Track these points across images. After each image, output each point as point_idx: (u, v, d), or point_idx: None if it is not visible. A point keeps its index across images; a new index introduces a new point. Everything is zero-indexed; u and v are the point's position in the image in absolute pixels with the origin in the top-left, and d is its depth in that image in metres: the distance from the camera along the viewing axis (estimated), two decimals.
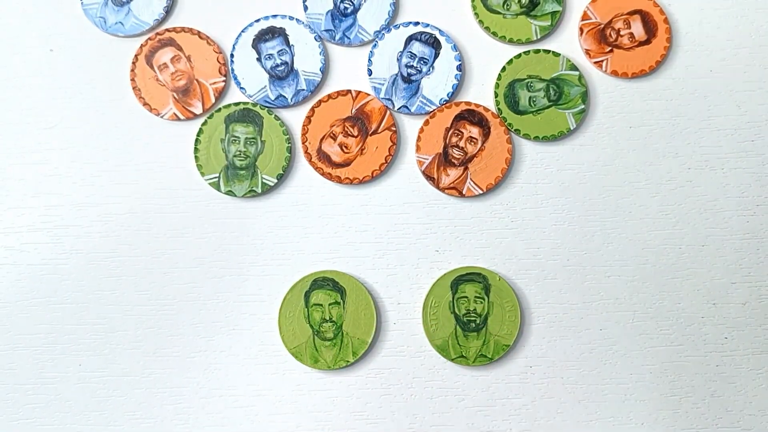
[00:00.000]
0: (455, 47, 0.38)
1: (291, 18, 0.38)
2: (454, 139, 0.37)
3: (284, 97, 0.38)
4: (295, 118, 0.38)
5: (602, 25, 0.39)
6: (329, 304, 0.36)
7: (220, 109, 0.37)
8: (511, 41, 0.38)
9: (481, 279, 0.36)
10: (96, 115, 0.38)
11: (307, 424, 0.35)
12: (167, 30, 0.38)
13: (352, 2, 0.38)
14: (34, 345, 0.36)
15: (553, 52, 0.38)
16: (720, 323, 0.36)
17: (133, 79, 0.38)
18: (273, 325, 0.36)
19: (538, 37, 0.38)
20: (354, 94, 0.38)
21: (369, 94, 0.38)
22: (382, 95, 0.38)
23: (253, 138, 0.37)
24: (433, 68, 0.38)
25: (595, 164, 0.38)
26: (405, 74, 0.38)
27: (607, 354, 0.36)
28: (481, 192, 0.37)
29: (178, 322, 0.36)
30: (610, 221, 0.37)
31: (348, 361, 0.35)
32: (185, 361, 0.36)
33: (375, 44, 0.38)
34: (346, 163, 0.37)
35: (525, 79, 0.38)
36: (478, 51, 0.39)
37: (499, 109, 0.38)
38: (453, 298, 0.36)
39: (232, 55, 0.38)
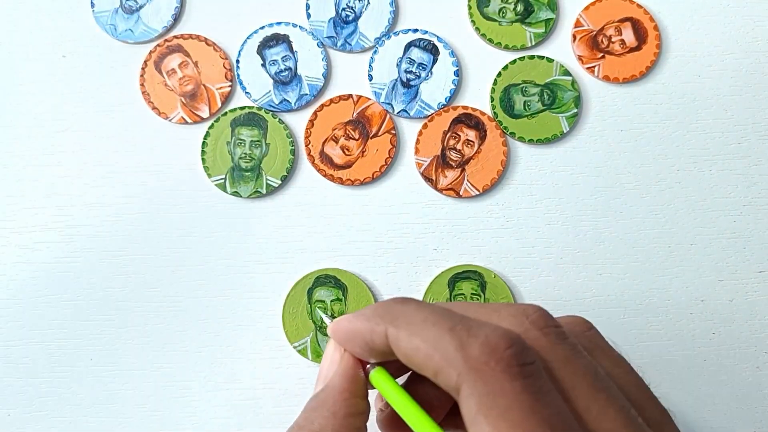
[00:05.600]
0: (453, 53, 0.39)
1: (294, 25, 0.39)
2: (452, 142, 0.38)
3: (288, 101, 0.39)
4: (298, 121, 0.39)
5: (594, 32, 0.39)
6: (331, 301, 0.36)
7: (226, 113, 0.38)
8: (506, 47, 0.39)
9: (478, 276, 0.37)
10: (107, 118, 0.38)
11: None
12: (175, 37, 0.39)
13: (353, 10, 0.39)
14: (47, 340, 0.37)
15: (547, 58, 0.39)
16: (708, 319, 0.37)
17: (142, 84, 0.39)
18: (277, 321, 0.36)
19: (533, 43, 0.39)
20: (355, 99, 0.39)
21: (370, 99, 0.39)
22: (382, 99, 0.39)
23: (257, 141, 0.38)
24: (431, 73, 0.39)
25: (588, 166, 0.38)
26: (404, 79, 0.39)
27: None
28: (477, 193, 0.38)
29: (185, 318, 0.37)
30: (602, 221, 0.38)
31: None
32: (192, 356, 0.36)
33: (375, 50, 0.39)
34: (347, 165, 0.38)
35: (520, 84, 0.39)
36: (475, 57, 0.39)
37: (495, 112, 0.38)
38: (450, 296, 0.36)
39: (237, 61, 0.39)
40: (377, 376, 0.25)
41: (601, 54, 0.39)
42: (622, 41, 0.39)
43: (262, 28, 0.39)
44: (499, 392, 0.19)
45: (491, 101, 0.38)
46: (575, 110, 0.38)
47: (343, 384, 0.25)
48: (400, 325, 0.23)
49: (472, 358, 0.20)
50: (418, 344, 0.22)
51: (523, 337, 0.21)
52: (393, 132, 0.38)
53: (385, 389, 0.25)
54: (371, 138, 0.38)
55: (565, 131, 0.38)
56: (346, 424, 0.24)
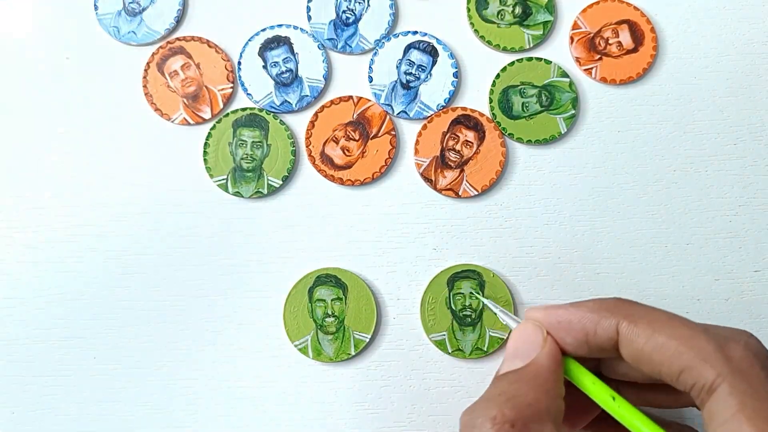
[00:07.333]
0: (452, 55, 0.39)
1: (295, 27, 0.39)
2: (451, 143, 0.39)
3: (289, 102, 0.39)
4: (299, 122, 0.39)
5: (592, 34, 0.40)
6: (332, 300, 0.37)
7: (228, 114, 0.38)
8: (505, 49, 0.40)
9: (476, 276, 0.37)
10: (110, 120, 0.39)
11: (311, 414, 0.36)
12: (178, 39, 0.39)
13: (353, 12, 0.40)
14: (52, 339, 0.37)
15: (545, 59, 0.39)
16: (704, 318, 0.37)
17: (145, 86, 0.39)
18: (278, 319, 0.37)
19: (531, 45, 0.40)
20: (355, 100, 0.39)
21: (369, 100, 0.39)
22: (382, 101, 0.39)
23: (259, 142, 0.38)
24: (430, 75, 0.39)
25: (585, 167, 0.39)
26: (404, 81, 0.39)
27: None
28: (476, 193, 0.38)
29: (188, 317, 0.37)
30: (599, 221, 0.38)
31: (349, 354, 0.36)
32: (195, 355, 0.37)
33: (375, 52, 0.39)
34: (347, 166, 0.38)
35: (518, 85, 0.39)
36: (474, 59, 0.40)
37: (493, 114, 0.39)
38: (449, 294, 0.37)
39: (239, 63, 0.39)
40: (574, 367, 0.26)
41: (599, 56, 0.39)
42: (620, 43, 0.39)
43: (264, 30, 0.39)
44: (765, 395, 0.20)
45: (490, 102, 0.39)
46: (573, 111, 0.39)
47: (552, 365, 0.25)
48: (638, 321, 0.23)
49: (736, 360, 0.21)
50: (663, 341, 0.22)
51: None
52: (393, 133, 0.39)
53: (584, 380, 0.25)
54: (371, 139, 0.39)
55: (563, 132, 0.39)
56: (557, 405, 0.24)
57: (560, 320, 0.26)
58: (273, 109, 0.39)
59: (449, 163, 0.38)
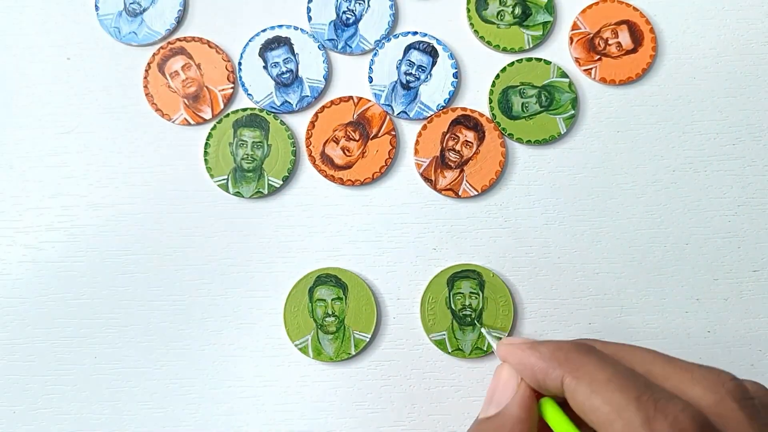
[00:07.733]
0: (452, 56, 0.40)
1: (296, 28, 0.40)
2: (451, 143, 0.39)
3: (289, 103, 0.39)
4: (299, 123, 0.39)
5: (591, 35, 0.40)
6: (332, 300, 0.37)
7: (228, 115, 0.39)
8: (504, 50, 0.40)
9: (476, 276, 0.37)
10: (111, 120, 0.39)
11: (311, 413, 0.36)
12: (178, 39, 0.39)
13: (353, 13, 0.40)
14: (52, 338, 0.37)
15: (544, 60, 0.39)
16: (703, 318, 0.38)
17: (145, 86, 0.39)
18: (278, 319, 0.37)
19: (531, 46, 0.40)
20: (355, 100, 0.39)
21: (370, 100, 0.39)
22: (382, 101, 0.39)
23: (259, 142, 0.39)
24: (430, 75, 0.39)
25: (585, 167, 0.39)
26: (404, 81, 0.39)
27: None
28: (476, 193, 0.38)
29: (188, 316, 0.37)
30: (599, 221, 0.38)
31: (349, 354, 0.36)
32: (195, 354, 0.37)
33: (375, 53, 0.40)
34: (348, 166, 0.39)
35: (518, 85, 0.39)
36: (474, 59, 0.40)
37: (493, 114, 0.39)
38: (449, 294, 0.37)
39: (239, 63, 0.39)
40: (548, 407, 0.26)
41: (598, 56, 0.40)
42: (619, 44, 0.40)
43: (264, 30, 0.40)
44: None
45: (489, 103, 0.39)
46: (572, 112, 0.39)
47: (522, 414, 0.25)
48: (580, 378, 0.23)
49: None
50: (598, 404, 0.22)
51: (718, 407, 0.21)
52: (393, 133, 0.39)
53: (557, 422, 0.25)
54: (371, 139, 0.39)
55: (562, 132, 0.39)
56: None
57: (517, 362, 0.26)
58: (273, 110, 0.39)
59: (449, 163, 0.38)
